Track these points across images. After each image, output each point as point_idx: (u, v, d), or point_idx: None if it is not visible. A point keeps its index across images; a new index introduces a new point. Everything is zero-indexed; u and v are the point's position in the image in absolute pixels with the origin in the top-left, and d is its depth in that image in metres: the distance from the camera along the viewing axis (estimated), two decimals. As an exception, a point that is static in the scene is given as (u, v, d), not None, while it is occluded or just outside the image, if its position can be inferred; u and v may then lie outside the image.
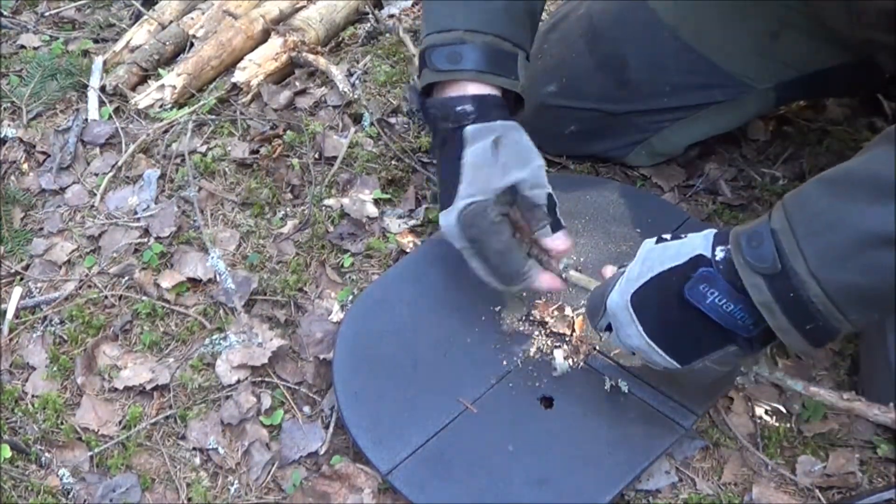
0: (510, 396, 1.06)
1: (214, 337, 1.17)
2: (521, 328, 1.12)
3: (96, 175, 1.38)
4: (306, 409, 1.11)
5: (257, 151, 1.38)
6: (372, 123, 1.40)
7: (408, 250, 1.25)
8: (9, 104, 1.49)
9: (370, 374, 1.09)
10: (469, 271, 1.08)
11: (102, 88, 1.50)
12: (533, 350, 1.10)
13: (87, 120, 1.45)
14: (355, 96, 1.44)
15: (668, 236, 0.94)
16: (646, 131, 1.33)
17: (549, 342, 1.11)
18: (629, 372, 1.07)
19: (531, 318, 1.13)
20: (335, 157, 1.35)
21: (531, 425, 1.04)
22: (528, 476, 1.00)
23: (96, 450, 1.07)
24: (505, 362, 1.09)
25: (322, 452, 1.06)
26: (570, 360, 1.09)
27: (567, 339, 1.11)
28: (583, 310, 1.13)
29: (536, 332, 1.11)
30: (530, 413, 1.05)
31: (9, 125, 1.45)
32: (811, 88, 1.32)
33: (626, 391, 1.05)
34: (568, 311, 1.13)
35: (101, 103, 1.48)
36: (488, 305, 1.14)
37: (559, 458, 1.01)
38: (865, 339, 1.12)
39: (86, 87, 1.51)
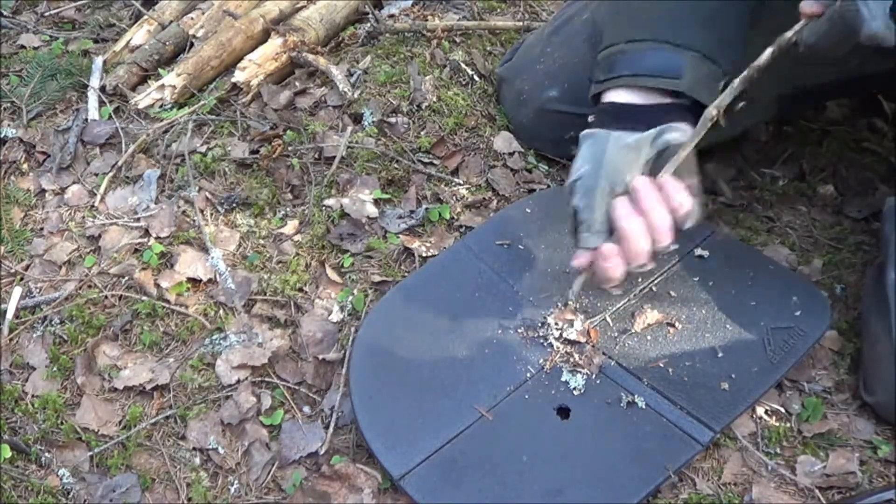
0: (526, 405, 1.06)
1: (214, 337, 1.17)
2: (540, 336, 1.12)
3: (96, 175, 1.38)
4: (306, 409, 1.12)
5: (257, 151, 1.38)
6: (372, 123, 1.40)
7: (411, 248, 1.26)
8: (9, 104, 1.49)
9: (386, 378, 1.09)
10: (490, 279, 1.09)
11: (102, 88, 1.50)
12: (551, 360, 1.10)
13: (87, 120, 1.45)
14: (355, 96, 1.44)
15: None
16: None
17: (565, 351, 1.11)
18: (648, 384, 1.07)
19: (548, 326, 1.13)
20: (335, 157, 1.35)
21: (546, 435, 1.04)
22: (542, 487, 0.99)
23: (96, 450, 1.07)
24: (522, 371, 1.09)
25: (322, 452, 1.06)
26: (586, 370, 1.08)
27: (583, 348, 1.11)
28: (598, 318, 1.13)
29: (555, 343, 1.11)
30: (546, 423, 1.05)
31: (9, 125, 1.45)
32: (811, 100, 1.32)
33: (643, 406, 1.05)
34: (582, 319, 1.13)
35: (101, 103, 1.48)
36: (508, 313, 1.14)
37: (573, 470, 1.01)
38: (866, 334, 1.12)
39: (86, 86, 1.51)
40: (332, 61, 1.51)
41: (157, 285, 1.23)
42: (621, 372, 1.09)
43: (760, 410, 1.10)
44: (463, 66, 1.50)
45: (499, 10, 1.69)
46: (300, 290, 1.23)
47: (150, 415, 1.11)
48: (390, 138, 1.39)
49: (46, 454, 1.07)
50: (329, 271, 1.25)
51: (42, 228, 1.32)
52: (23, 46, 1.63)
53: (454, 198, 1.34)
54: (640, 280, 1.18)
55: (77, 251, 1.28)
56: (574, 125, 1.33)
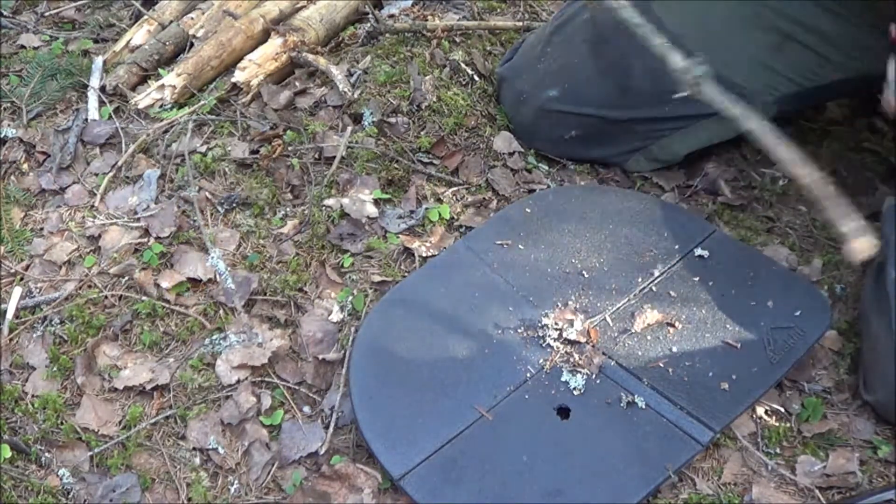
0: (526, 405, 1.06)
1: (214, 337, 1.17)
2: (540, 337, 1.12)
3: (96, 175, 1.38)
4: (306, 409, 1.12)
5: (257, 151, 1.38)
6: (372, 123, 1.40)
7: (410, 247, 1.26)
8: (9, 104, 1.49)
9: (386, 378, 1.09)
10: (490, 279, 1.12)
11: (102, 88, 1.50)
12: (551, 360, 1.10)
13: (87, 120, 1.45)
14: (355, 96, 1.44)
15: None
16: (646, 139, 1.33)
17: (565, 351, 1.11)
18: (648, 384, 1.07)
19: (548, 326, 1.12)
20: (335, 157, 1.35)
21: (546, 435, 1.04)
22: (541, 487, 0.99)
23: (96, 450, 1.07)
24: (522, 371, 1.09)
25: (322, 452, 1.06)
26: (586, 370, 1.08)
27: (583, 348, 1.11)
28: (598, 318, 1.13)
29: (555, 343, 1.11)
30: (546, 423, 1.05)
31: (9, 125, 1.45)
32: (811, 100, 1.33)
33: (643, 406, 1.05)
34: (582, 319, 1.13)
35: (101, 103, 1.48)
36: (508, 313, 1.14)
37: (573, 470, 1.01)
38: (867, 333, 1.12)
39: (86, 86, 1.51)
40: (332, 61, 1.51)
41: (157, 285, 1.23)
42: (621, 372, 1.09)
43: (760, 410, 1.10)
44: (463, 66, 1.50)
45: (499, 10, 1.69)
46: (300, 290, 1.23)
47: (150, 415, 1.11)
48: (390, 138, 1.39)
49: (46, 454, 1.07)
50: (329, 271, 1.25)
51: (42, 228, 1.32)
52: (23, 46, 1.63)
53: (454, 198, 1.34)
54: (640, 280, 1.18)
55: (77, 251, 1.28)
56: (574, 125, 1.34)
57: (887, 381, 1.06)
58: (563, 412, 1.06)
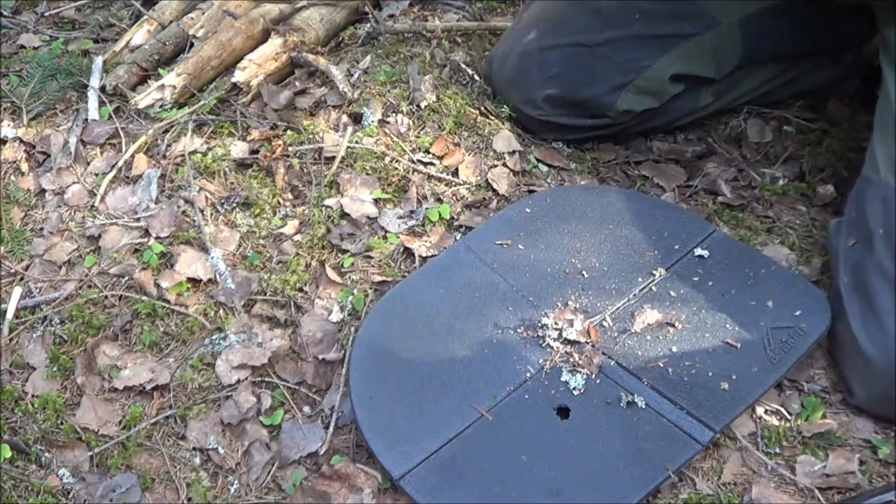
0: (526, 405, 1.06)
1: (214, 337, 1.17)
2: (539, 336, 1.12)
3: (96, 175, 1.38)
4: (306, 409, 1.12)
5: (257, 151, 1.38)
6: (372, 123, 1.40)
7: (410, 247, 1.26)
8: (9, 104, 1.49)
9: (386, 378, 1.09)
10: (490, 279, 1.14)
11: (102, 88, 1.50)
12: (550, 360, 1.10)
13: (87, 120, 1.45)
14: (355, 96, 1.44)
15: None
16: (628, 71, 1.33)
17: (565, 351, 1.11)
18: (648, 384, 1.07)
19: (548, 326, 1.12)
20: (335, 157, 1.35)
21: (546, 435, 1.04)
22: (541, 487, 0.99)
23: (96, 450, 1.07)
24: (522, 371, 1.09)
25: (322, 452, 1.06)
26: (586, 370, 1.08)
27: (583, 348, 1.11)
28: (598, 318, 1.13)
29: (554, 343, 1.11)
30: (546, 423, 1.05)
31: (9, 125, 1.45)
32: (777, 33, 1.34)
33: (643, 406, 1.05)
34: (582, 319, 1.13)
35: (101, 103, 1.48)
36: (508, 313, 1.14)
37: (572, 471, 1.01)
38: (834, 339, 1.13)
39: (86, 86, 1.51)
40: (332, 61, 1.51)
41: (157, 285, 1.23)
42: (621, 372, 1.09)
43: (760, 410, 1.10)
44: (463, 65, 1.50)
45: (499, 10, 1.69)
46: (300, 290, 1.23)
47: (150, 415, 1.11)
48: (390, 138, 1.40)
49: (46, 454, 1.07)
50: (329, 271, 1.25)
51: (42, 228, 1.32)
52: (23, 46, 1.63)
53: (454, 198, 1.34)
54: (640, 280, 1.18)
55: (77, 251, 1.28)
56: (555, 60, 1.35)
57: (862, 381, 1.07)
58: (563, 412, 1.06)
